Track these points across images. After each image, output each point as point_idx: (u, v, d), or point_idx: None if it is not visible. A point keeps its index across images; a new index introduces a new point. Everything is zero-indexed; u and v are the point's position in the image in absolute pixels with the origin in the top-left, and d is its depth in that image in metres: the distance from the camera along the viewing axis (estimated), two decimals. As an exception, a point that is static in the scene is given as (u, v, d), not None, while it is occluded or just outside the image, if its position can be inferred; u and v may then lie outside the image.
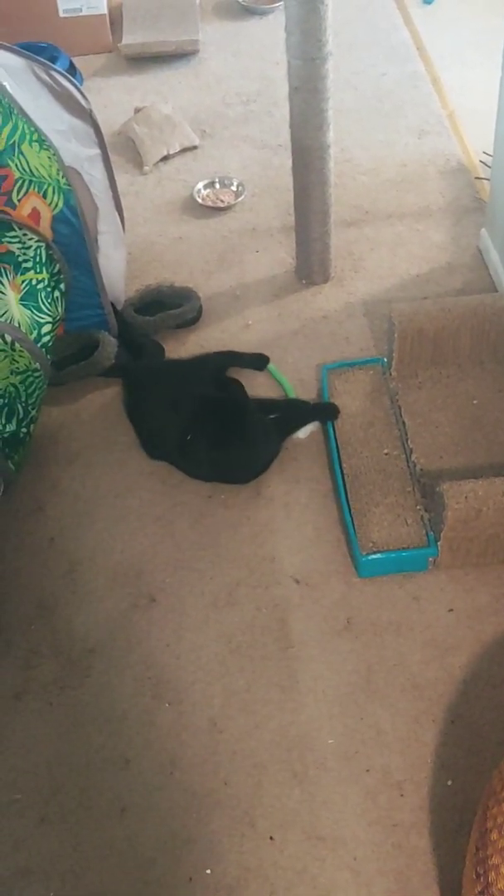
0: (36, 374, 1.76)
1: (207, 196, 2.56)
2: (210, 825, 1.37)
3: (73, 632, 1.62)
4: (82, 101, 1.91)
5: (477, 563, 1.63)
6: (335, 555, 1.69)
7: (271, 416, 1.85)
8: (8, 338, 1.68)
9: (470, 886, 1.15)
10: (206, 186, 2.58)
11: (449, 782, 1.38)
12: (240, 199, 2.53)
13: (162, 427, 1.87)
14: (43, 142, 1.79)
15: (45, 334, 1.80)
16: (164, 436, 1.86)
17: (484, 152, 2.56)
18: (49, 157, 1.80)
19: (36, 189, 1.81)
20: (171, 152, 2.72)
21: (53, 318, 1.84)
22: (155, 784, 1.42)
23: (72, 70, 3.00)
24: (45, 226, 1.85)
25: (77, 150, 1.90)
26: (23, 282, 1.79)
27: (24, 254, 1.80)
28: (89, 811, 1.40)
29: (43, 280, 1.83)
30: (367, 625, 1.58)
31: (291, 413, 1.90)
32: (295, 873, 1.31)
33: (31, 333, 1.76)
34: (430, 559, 1.63)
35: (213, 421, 1.77)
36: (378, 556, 1.62)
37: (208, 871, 1.33)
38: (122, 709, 1.51)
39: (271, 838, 1.35)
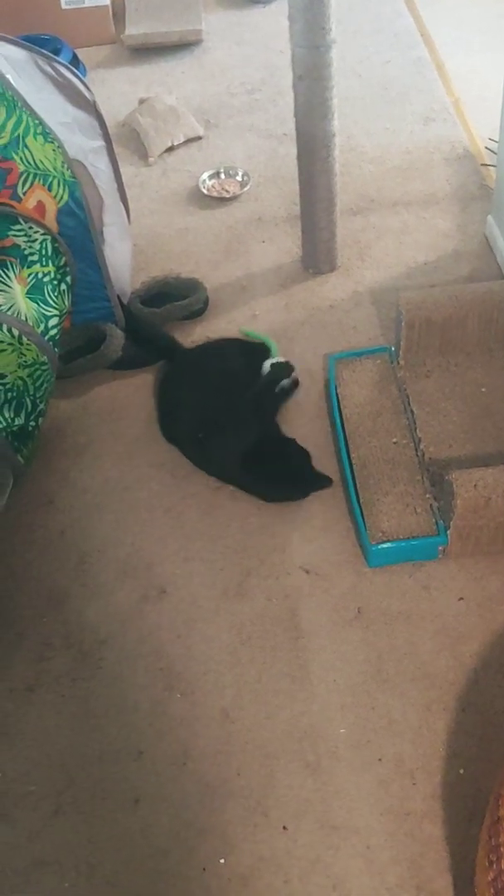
0: (43, 367, 1.76)
1: (213, 186, 2.55)
2: (223, 815, 1.37)
3: (85, 624, 1.62)
4: (86, 93, 1.90)
5: (487, 551, 1.63)
6: (345, 545, 1.69)
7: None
8: (15, 331, 1.69)
9: (483, 874, 1.15)
10: (211, 177, 2.57)
11: (461, 770, 1.38)
12: (245, 189, 2.53)
13: (185, 411, 1.88)
14: (47, 134, 1.78)
15: (52, 327, 1.81)
16: (182, 421, 1.88)
17: (490, 139, 2.55)
18: (53, 150, 1.80)
19: (41, 182, 1.81)
20: (176, 143, 2.72)
21: (60, 311, 1.84)
22: (168, 775, 1.43)
23: (75, 62, 3.00)
24: (50, 218, 1.85)
25: (81, 142, 1.89)
26: (29, 275, 1.79)
27: (30, 247, 1.80)
28: (103, 802, 1.41)
29: (49, 273, 1.83)
30: (377, 614, 1.58)
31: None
32: (308, 862, 1.32)
33: (38, 327, 1.76)
34: (440, 548, 1.63)
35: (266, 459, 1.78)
36: (388, 545, 1.62)
37: (222, 861, 1.33)
38: (135, 700, 1.52)
39: (284, 828, 1.35)
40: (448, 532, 1.60)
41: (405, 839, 1.32)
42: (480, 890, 1.16)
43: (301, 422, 1.90)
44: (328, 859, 1.32)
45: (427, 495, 1.68)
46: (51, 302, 1.82)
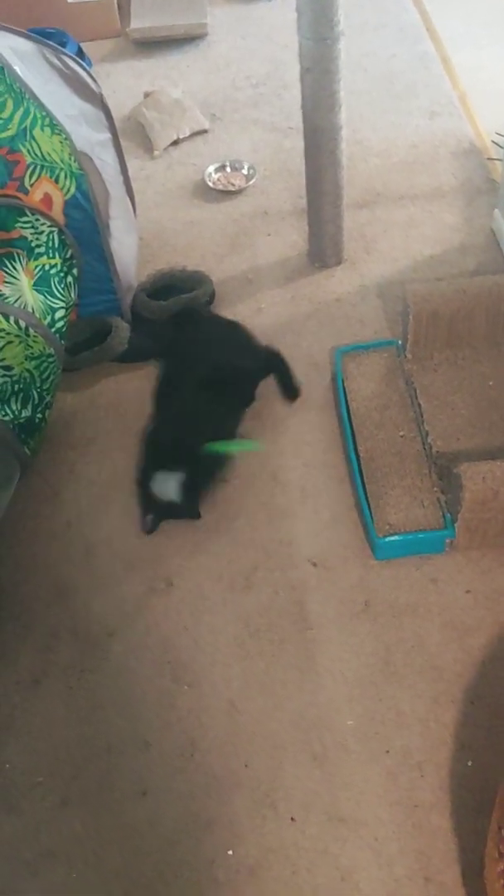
0: (50, 359, 1.76)
1: (218, 180, 2.55)
2: (231, 807, 1.37)
3: (92, 615, 1.62)
4: (93, 85, 1.90)
5: (494, 544, 1.63)
6: (352, 538, 1.69)
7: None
8: (22, 323, 1.68)
9: (492, 865, 1.15)
10: (216, 170, 2.57)
11: (469, 763, 1.38)
12: (251, 182, 2.52)
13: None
14: (55, 126, 1.78)
15: (59, 319, 1.80)
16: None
17: (496, 133, 2.55)
18: (61, 142, 1.80)
19: (48, 174, 1.80)
20: (181, 136, 2.71)
21: (66, 304, 1.84)
22: (175, 766, 1.43)
23: (80, 55, 2.98)
24: (57, 211, 1.85)
25: (88, 135, 1.89)
26: (36, 267, 1.79)
27: (37, 239, 1.79)
28: (110, 794, 1.41)
29: (56, 265, 1.83)
30: (384, 607, 1.58)
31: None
32: (316, 854, 1.32)
33: (45, 319, 1.76)
34: (447, 541, 1.63)
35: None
36: (395, 538, 1.62)
37: (230, 853, 1.33)
38: (142, 692, 1.52)
39: (292, 819, 1.35)
40: (455, 525, 1.59)
41: (413, 831, 1.32)
42: (490, 881, 1.16)
43: (308, 415, 1.90)
44: (336, 851, 1.32)
45: (434, 488, 1.68)
46: (57, 294, 1.81)
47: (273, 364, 1.94)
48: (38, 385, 1.75)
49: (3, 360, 1.65)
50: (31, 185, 1.79)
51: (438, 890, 1.27)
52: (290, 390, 1.94)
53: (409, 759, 1.40)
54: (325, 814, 1.35)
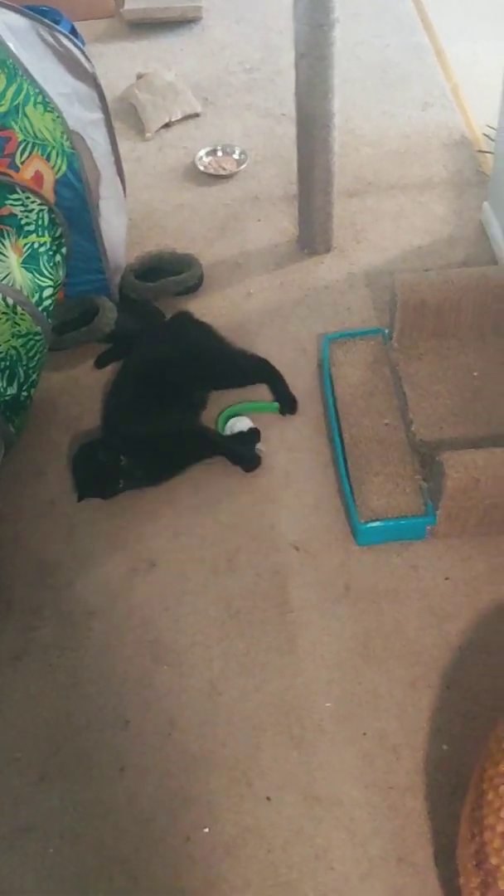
0: (37, 337, 1.76)
1: (209, 164, 2.54)
2: (208, 785, 1.39)
3: (74, 594, 1.63)
4: (86, 65, 1.89)
5: (474, 532, 1.65)
6: (334, 523, 1.70)
7: None
8: (10, 300, 1.68)
9: (465, 846, 1.16)
10: (208, 154, 2.56)
11: (444, 747, 1.40)
12: (242, 167, 2.52)
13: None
14: (47, 104, 1.77)
15: (47, 298, 1.80)
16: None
17: (487, 125, 2.55)
18: (53, 120, 1.79)
19: (39, 152, 1.80)
20: (173, 119, 2.71)
21: (55, 282, 1.84)
22: (154, 744, 1.43)
23: (73, 34, 2.96)
24: (47, 189, 1.84)
25: (80, 114, 1.88)
26: (25, 245, 1.78)
27: (27, 217, 1.79)
28: (89, 770, 1.42)
29: (45, 243, 1.82)
30: (365, 592, 1.60)
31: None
32: (292, 833, 1.33)
33: (33, 297, 1.75)
34: (428, 528, 1.64)
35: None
36: (377, 524, 1.63)
37: (206, 830, 1.34)
38: (122, 670, 1.52)
39: (269, 799, 1.37)
40: (437, 512, 1.61)
41: (388, 812, 1.34)
42: (462, 862, 1.17)
43: (293, 401, 1.91)
44: (311, 830, 1.33)
45: (417, 476, 1.69)
46: (46, 272, 1.81)
47: (264, 373, 1.94)
48: (24, 363, 1.74)
49: (-10, 336, 1.65)
50: (22, 163, 1.79)
51: (411, 870, 1.28)
52: (287, 402, 1.90)
53: (386, 742, 1.41)
54: (301, 794, 1.37)
